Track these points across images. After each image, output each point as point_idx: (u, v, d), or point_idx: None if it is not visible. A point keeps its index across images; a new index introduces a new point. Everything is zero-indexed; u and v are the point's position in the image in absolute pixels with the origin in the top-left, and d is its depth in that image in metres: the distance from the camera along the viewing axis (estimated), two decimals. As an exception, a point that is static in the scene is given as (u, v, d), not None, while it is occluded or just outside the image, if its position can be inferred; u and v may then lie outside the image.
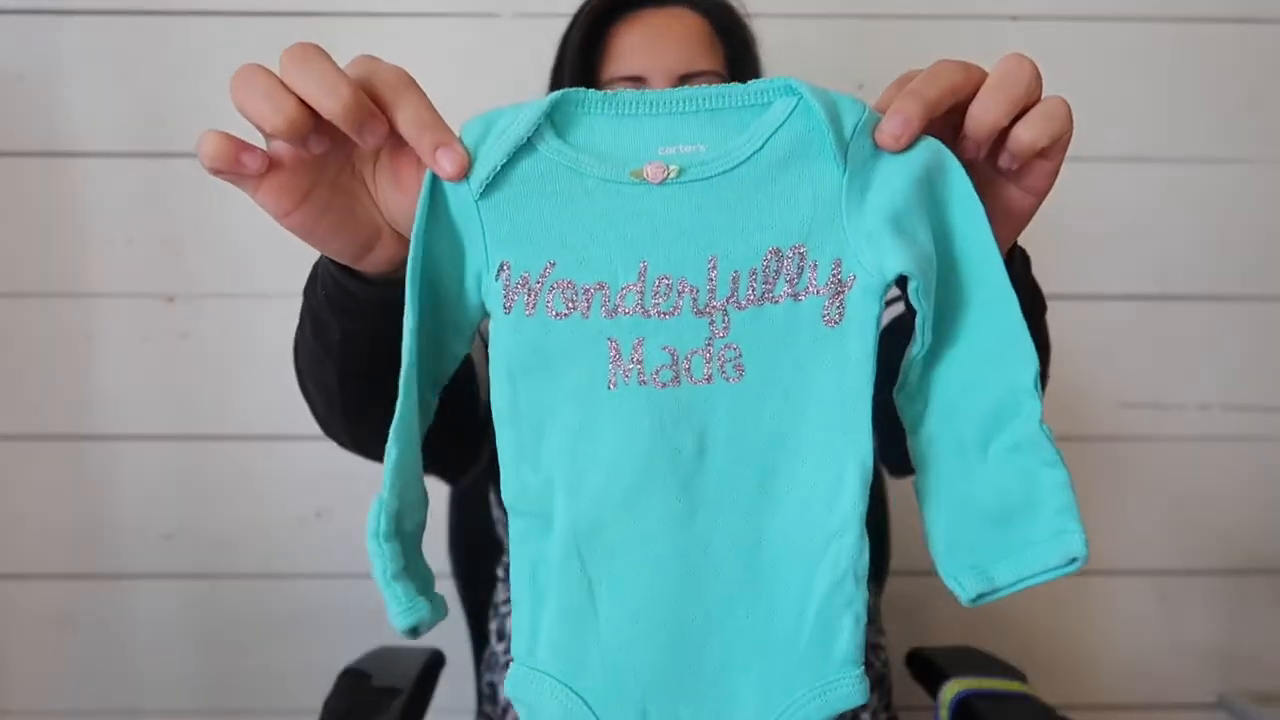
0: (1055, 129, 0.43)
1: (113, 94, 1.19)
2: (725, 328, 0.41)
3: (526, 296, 0.42)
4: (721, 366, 0.42)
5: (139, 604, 1.27)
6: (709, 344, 0.42)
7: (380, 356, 0.51)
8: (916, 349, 0.43)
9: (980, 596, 0.43)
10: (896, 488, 1.11)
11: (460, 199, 0.42)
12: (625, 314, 0.42)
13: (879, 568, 1.09)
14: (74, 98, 1.19)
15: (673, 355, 0.42)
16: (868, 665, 0.85)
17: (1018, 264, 0.54)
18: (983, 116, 0.42)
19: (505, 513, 0.86)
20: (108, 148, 1.20)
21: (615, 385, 0.42)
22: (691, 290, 0.41)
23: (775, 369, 0.42)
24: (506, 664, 0.86)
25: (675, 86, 0.46)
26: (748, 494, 0.42)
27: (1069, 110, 0.43)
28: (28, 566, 1.26)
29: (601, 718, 0.42)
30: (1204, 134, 1.24)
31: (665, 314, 0.41)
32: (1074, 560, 0.41)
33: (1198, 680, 1.32)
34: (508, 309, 0.42)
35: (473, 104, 1.43)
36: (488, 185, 0.41)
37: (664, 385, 0.42)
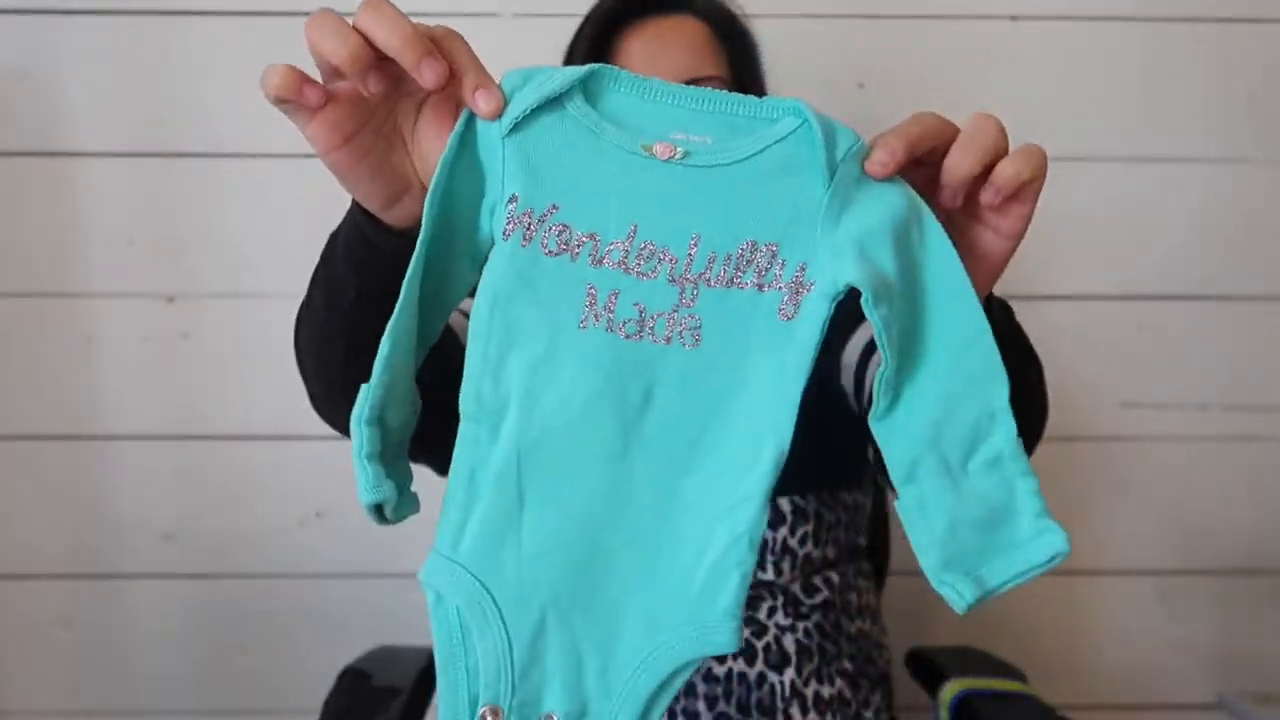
0: (1034, 165, 0.47)
1: (113, 94, 1.19)
2: (693, 299, 0.47)
3: (525, 230, 0.47)
4: (681, 332, 0.47)
5: (139, 604, 1.27)
6: (675, 310, 0.47)
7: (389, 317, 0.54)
8: (884, 369, 0.46)
9: (975, 601, 0.46)
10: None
11: (490, 136, 0.47)
12: (608, 266, 0.46)
13: (879, 568, 1.09)
14: (74, 98, 1.19)
15: (640, 312, 0.47)
16: (869, 663, 0.86)
17: (996, 312, 0.57)
18: (957, 167, 0.47)
19: None
20: (108, 148, 1.20)
21: (585, 326, 0.47)
22: (671, 260, 0.46)
23: (728, 345, 0.47)
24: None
25: None
26: (677, 448, 0.47)
27: (1044, 154, 0.48)
28: (28, 566, 1.26)
29: (505, 616, 0.46)
30: (1204, 134, 1.24)
31: (643, 275, 0.47)
32: (1056, 555, 0.46)
33: (1198, 680, 1.32)
34: (506, 236, 0.47)
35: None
36: (516, 124, 0.46)
37: (628, 337, 0.47)
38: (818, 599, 0.83)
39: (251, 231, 1.21)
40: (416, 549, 0.48)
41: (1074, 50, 1.22)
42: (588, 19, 0.85)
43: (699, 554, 0.46)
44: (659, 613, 0.47)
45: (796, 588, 0.82)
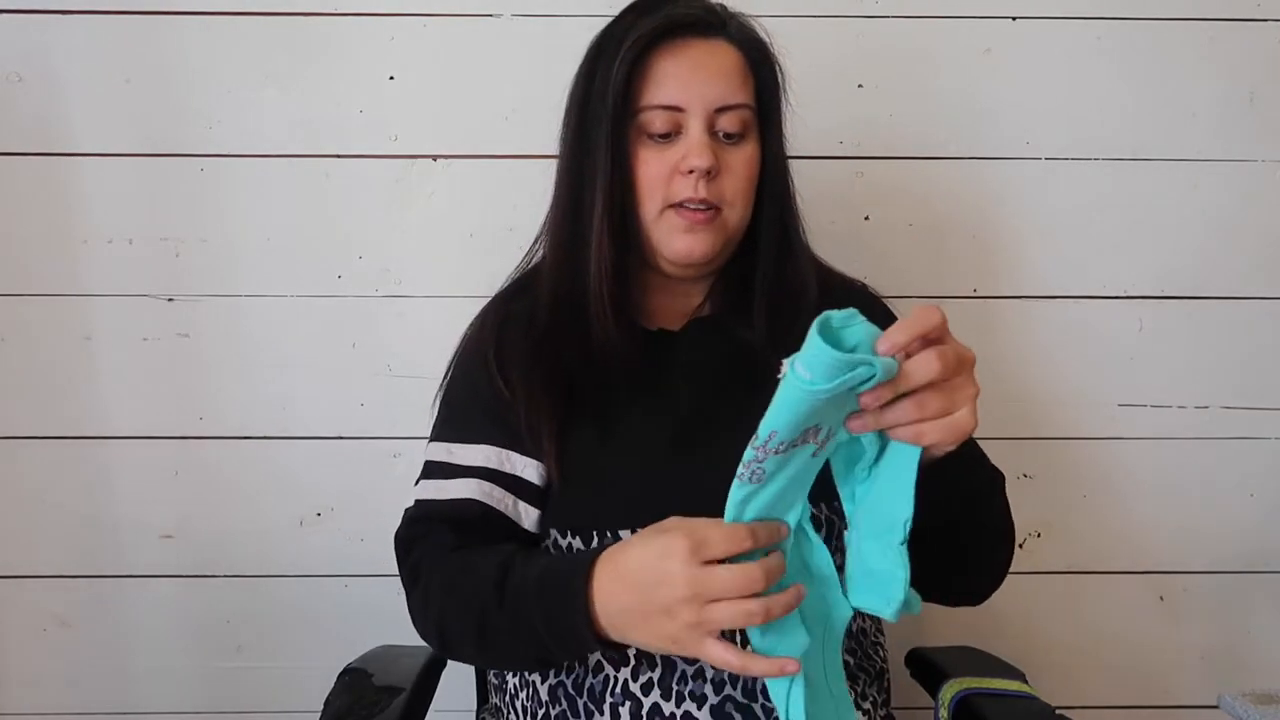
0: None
1: (112, 94, 1.19)
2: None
3: None
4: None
5: (138, 604, 1.27)
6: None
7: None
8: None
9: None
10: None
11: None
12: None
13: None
14: (73, 98, 1.19)
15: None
16: (868, 658, 0.86)
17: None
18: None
19: None
20: (107, 148, 1.20)
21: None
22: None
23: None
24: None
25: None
26: None
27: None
28: (27, 566, 1.26)
29: None
30: (1204, 134, 1.24)
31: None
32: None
33: (1198, 680, 1.32)
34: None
35: (473, 104, 1.42)
36: None
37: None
38: None
39: (250, 232, 1.21)
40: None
41: (1074, 50, 1.22)
42: (616, 34, 0.84)
43: None
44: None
45: (804, 586, 0.83)
